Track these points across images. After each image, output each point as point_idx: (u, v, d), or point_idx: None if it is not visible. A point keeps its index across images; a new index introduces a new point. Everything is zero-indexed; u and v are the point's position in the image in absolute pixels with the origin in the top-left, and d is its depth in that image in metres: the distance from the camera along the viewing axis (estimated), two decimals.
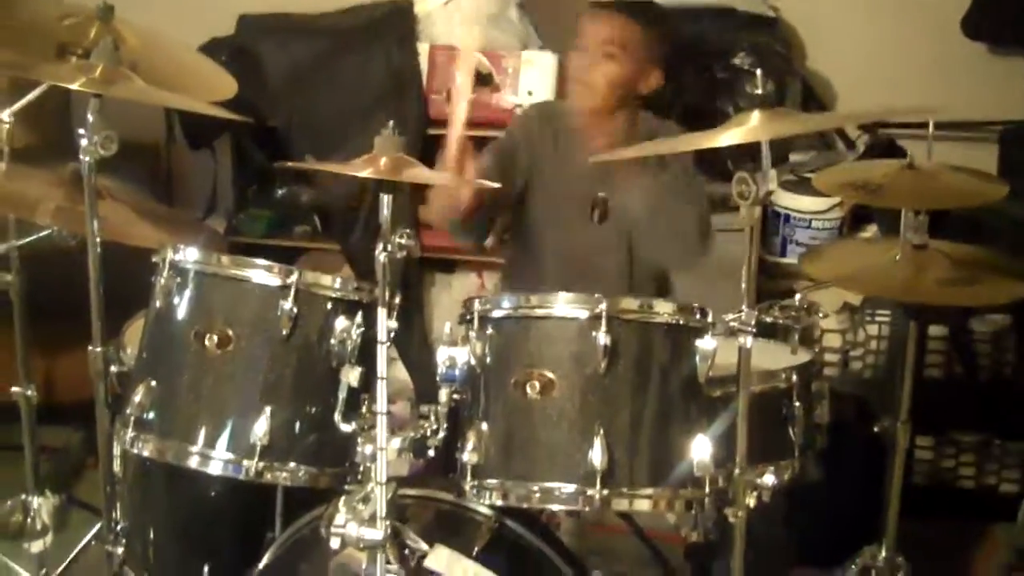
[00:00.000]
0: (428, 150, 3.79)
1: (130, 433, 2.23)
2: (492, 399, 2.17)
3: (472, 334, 2.18)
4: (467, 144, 2.77)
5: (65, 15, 2.62)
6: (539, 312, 2.16)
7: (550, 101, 3.40)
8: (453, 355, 2.18)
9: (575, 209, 3.04)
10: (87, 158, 2.28)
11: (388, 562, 2.05)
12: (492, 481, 2.14)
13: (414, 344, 3.92)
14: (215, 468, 2.20)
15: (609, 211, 3.01)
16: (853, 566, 2.76)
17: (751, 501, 2.10)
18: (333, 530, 2.01)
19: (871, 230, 3.81)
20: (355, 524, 2.01)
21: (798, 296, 2.18)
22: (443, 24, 4.05)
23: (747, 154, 3.51)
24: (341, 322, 2.22)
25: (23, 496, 2.88)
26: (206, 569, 2.63)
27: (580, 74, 2.96)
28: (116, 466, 2.50)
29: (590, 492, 2.06)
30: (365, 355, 2.20)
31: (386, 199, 2.03)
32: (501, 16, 4.05)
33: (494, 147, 3.10)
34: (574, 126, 3.04)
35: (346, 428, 2.19)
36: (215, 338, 2.21)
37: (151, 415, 2.23)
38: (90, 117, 2.27)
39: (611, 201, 2.99)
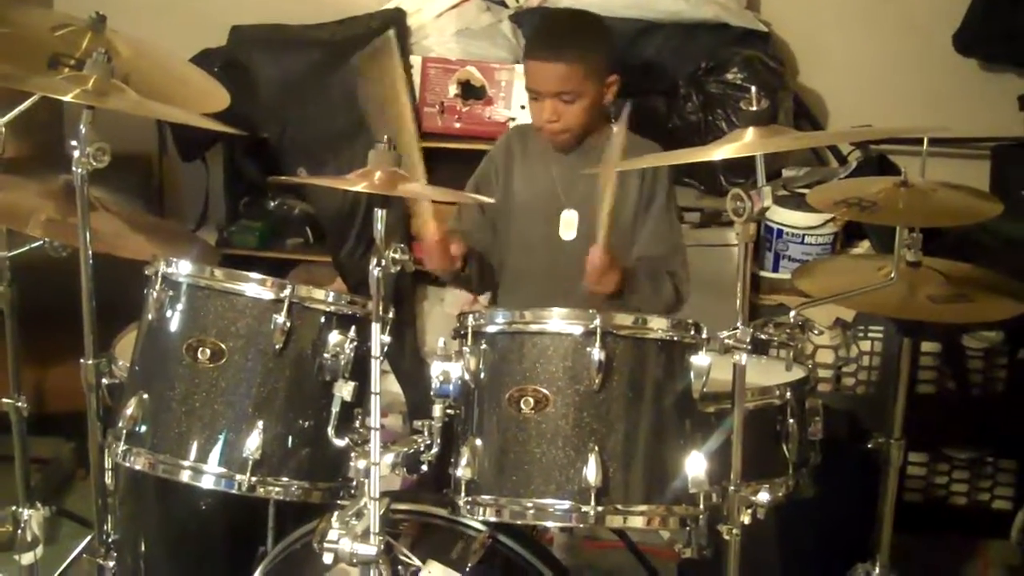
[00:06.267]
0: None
1: (122, 446, 2.22)
2: (486, 414, 2.17)
3: (466, 349, 2.18)
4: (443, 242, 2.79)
5: (57, 26, 2.61)
6: (533, 327, 2.16)
7: (520, 125, 3.39)
8: (447, 370, 2.18)
9: (542, 226, 3.03)
10: (79, 170, 2.27)
11: None
12: (486, 497, 2.14)
13: (406, 357, 3.92)
14: (207, 482, 2.20)
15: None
16: None
17: (745, 518, 2.10)
18: (326, 545, 2.01)
19: (864, 246, 3.81)
20: (348, 539, 2.00)
21: (792, 313, 2.17)
22: (436, 37, 4.05)
23: (741, 170, 3.54)
24: (334, 336, 2.22)
25: (13, 508, 2.86)
26: None
27: (547, 121, 2.91)
28: (107, 479, 2.49)
29: (584, 509, 2.06)
30: (358, 369, 2.20)
31: (380, 214, 2.02)
32: (494, 29, 4.05)
33: (472, 181, 3.10)
34: (544, 147, 3.03)
35: (339, 443, 2.20)
36: (208, 351, 2.20)
37: (143, 428, 2.22)
38: (82, 129, 2.27)
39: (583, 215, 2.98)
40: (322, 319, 2.24)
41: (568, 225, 3.00)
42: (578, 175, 2.87)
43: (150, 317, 2.27)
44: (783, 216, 3.75)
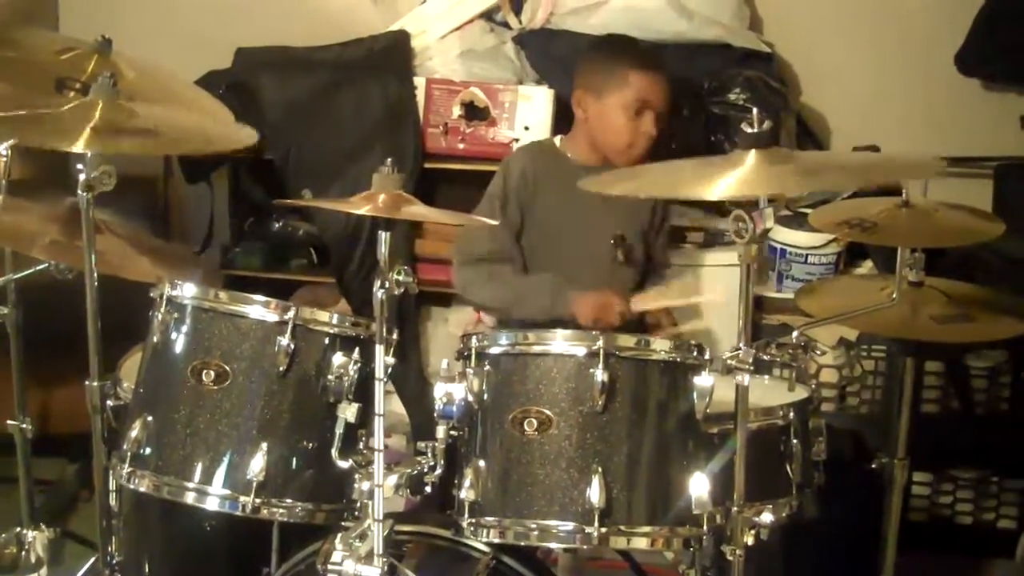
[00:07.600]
0: (424, 184, 3.81)
1: (126, 468, 2.23)
2: (490, 436, 2.17)
3: (470, 370, 2.19)
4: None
5: (63, 49, 2.62)
6: (536, 349, 2.17)
7: (539, 142, 3.44)
8: (451, 391, 2.18)
9: (579, 246, 3.05)
10: (85, 192, 2.28)
11: None
12: (490, 519, 2.14)
13: (410, 378, 3.91)
14: (211, 504, 2.20)
15: (631, 249, 3.03)
16: None
17: (749, 539, 2.09)
18: (330, 567, 2.01)
19: (867, 266, 3.81)
20: (352, 561, 2.00)
21: (795, 333, 2.17)
22: (440, 58, 4.06)
23: None
24: (338, 358, 2.22)
25: (17, 529, 2.87)
26: None
27: (647, 135, 2.99)
28: (111, 500, 2.49)
29: (588, 530, 2.06)
30: (362, 391, 2.20)
31: (384, 236, 2.03)
32: (497, 51, 4.06)
33: (493, 204, 3.13)
34: (574, 168, 3.04)
35: (343, 464, 2.20)
36: (212, 373, 2.21)
37: (147, 450, 2.23)
38: (89, 152, 2.27)
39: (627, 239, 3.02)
40: (326, 341, 2.25)
41: (602, 240, 3.03)
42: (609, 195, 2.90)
43: (155, 339, 2.28)
44: (786, 236, 3.75)
